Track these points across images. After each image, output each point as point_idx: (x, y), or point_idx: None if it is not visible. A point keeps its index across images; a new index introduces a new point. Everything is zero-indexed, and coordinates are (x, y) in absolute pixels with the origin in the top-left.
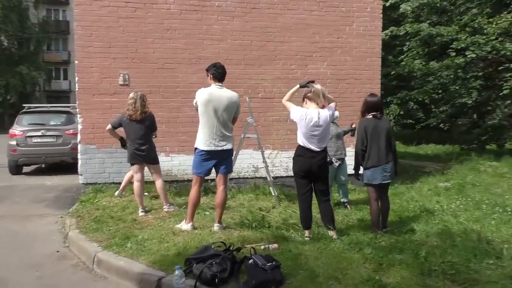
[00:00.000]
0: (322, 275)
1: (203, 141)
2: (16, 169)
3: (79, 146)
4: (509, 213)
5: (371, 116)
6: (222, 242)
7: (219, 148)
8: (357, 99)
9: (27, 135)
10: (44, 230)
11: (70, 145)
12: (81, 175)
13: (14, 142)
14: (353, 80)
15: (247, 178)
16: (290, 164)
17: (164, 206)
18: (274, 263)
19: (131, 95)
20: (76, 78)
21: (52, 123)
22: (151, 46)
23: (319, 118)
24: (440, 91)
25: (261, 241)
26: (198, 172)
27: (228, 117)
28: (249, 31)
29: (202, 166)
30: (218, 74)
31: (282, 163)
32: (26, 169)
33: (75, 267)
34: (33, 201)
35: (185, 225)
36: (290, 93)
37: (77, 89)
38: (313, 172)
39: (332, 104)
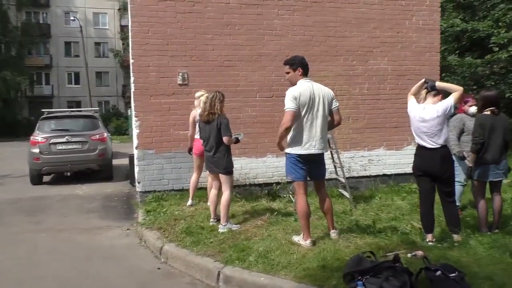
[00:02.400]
0: (508, 284)
1: (301, 144)
2: (38, 178)
3: (136, 151)
4: None
5: (489, 112)
6: (370, 252)
7: (319, 151)
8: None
9: (50, 142)
10: (121, 244)
11: (96, 151)
12: (138, 182)
13: (36, 150)
14: (413, 75)
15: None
16: (353, 165)
17: (220, 226)
18: (457, 273)
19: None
20: (132, 78)
21: (76, 128)
22: (210, 42)
23: (423, 112)
24: (474, 87)
25: (395, 248)
26: (298, 177)
27: (327, 115)
28: (310, 26)
29: (301, 169)
30: (306, 68)
31: (344, 163)
32: (45, 178)
33: (194, 285)
34: (82, 212)
35: (303, 242)
36: (415, 87)
37: (133, 90)
38: (431, 171)
39: (450, 98)
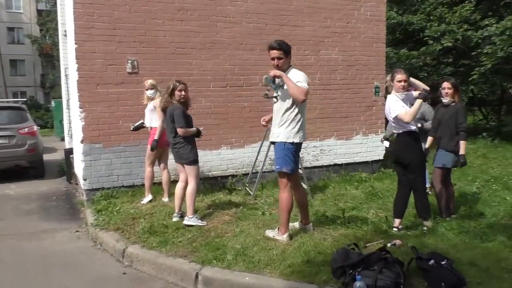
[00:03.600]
0: (493, 269)
1: (300, 131)
2: None
3: (81, 146)
4: None
5: None
6: (354, 244)
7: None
8: (365, 85)
9: None
10: (74, 249)
11: (26, 147)
12: (84, 179)
13: None
14: (361, 66)
15: (264, 172)
16: (305, 155)
17: (186, 217)
18: (446, 260)
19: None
20: (76, 66)
21: (2, 121)
22: (161, 28)
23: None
24: None
25: (373, 238)
26: (293, 169)
27: None
28: (264, 13)
29: (296, 161)
30: None
31: None
32: None
33: None
34: (20, 215)
35: (280, 237)
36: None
37: (77, 79)
38: (395, 157)
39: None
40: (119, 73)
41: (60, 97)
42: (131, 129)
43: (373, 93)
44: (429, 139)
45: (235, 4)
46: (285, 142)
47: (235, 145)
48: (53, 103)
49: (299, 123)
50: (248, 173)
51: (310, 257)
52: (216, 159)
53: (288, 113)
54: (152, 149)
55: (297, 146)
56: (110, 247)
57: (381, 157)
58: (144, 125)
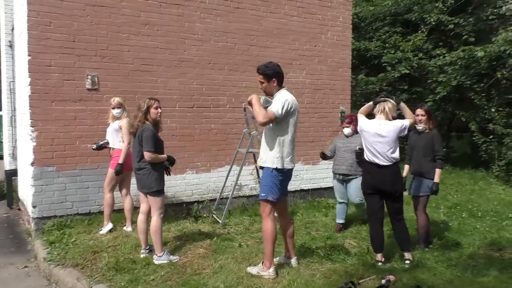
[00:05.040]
0: None
1: (289, 157)
2: None
3: (31, 169)
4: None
5: None
6: (351, 282)
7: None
8: (332, 109)
9: None
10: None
11: None
12: (34, 206)
13: None
14: (328, 90)
15: (233, 197)
16: None
17: (154, 256)
18: None
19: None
20: (29, 79)
21: None
22: (125, 43)
23: (379, 128)
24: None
25: (363, 273)
26: (278, 198)
27: None
28: (233, 32)
29: (283, 188)
30: (282, 78)
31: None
32: None
33: None
34: None
35: (265, 272)
36: (365, 107)
37: (29, 94)
38: (383, 189)
39: (407, 120)
40: (77, 89)
41: None
42: (94, 148)
43: (338, 118)
44: (406, 167)
45: (204, 21)
46: (272, 169)
47: (201, 169)
48: None
49: (284, 148)
50: (214, 199)
51: None
52: (181, 184)
53: (272, 137)
54: (117, 173)
55: (285, 173)
56: (69, 287)
57: None
58: (108, 145)
